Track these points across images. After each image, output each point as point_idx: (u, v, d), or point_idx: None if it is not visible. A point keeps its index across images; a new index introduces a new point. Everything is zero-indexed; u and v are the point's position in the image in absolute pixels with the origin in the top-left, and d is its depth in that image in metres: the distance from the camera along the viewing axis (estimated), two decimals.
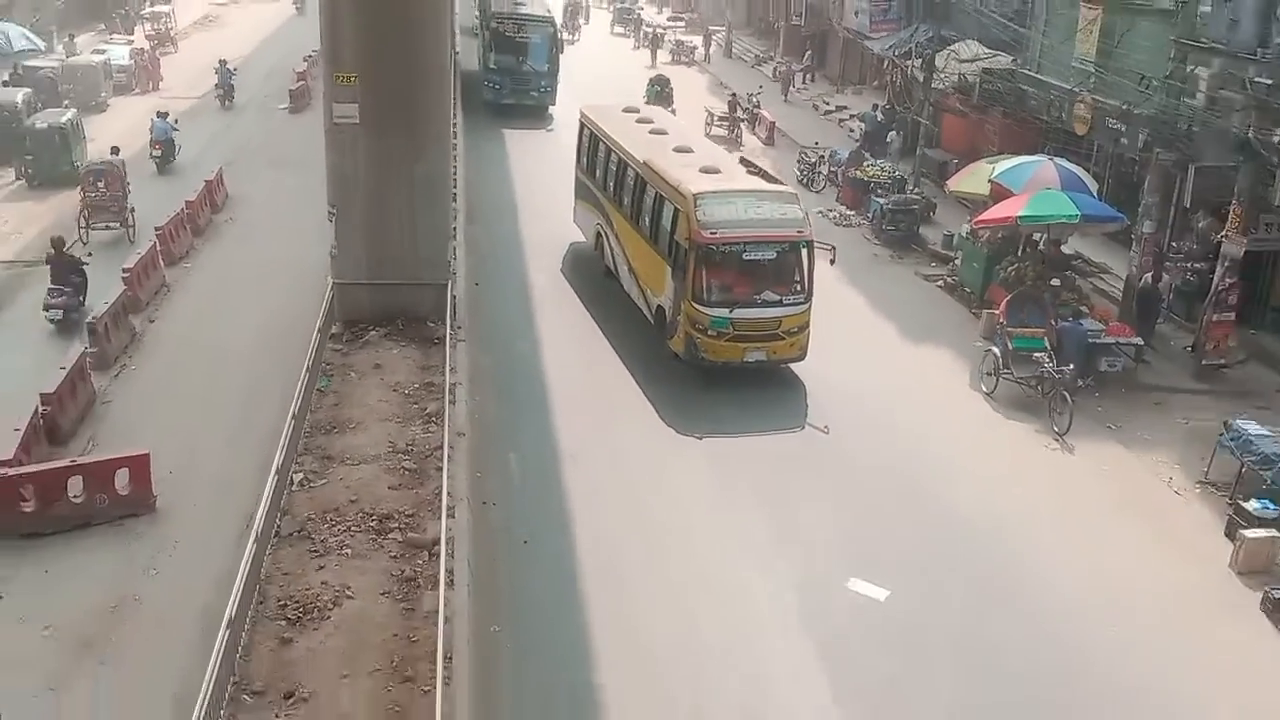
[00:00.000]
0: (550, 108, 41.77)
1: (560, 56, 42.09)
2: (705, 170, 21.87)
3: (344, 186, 21.34)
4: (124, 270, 22.28)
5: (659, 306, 21.68)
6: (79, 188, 26.95)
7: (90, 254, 24.50)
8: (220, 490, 15.94)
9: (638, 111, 27.97)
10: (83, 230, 26.17)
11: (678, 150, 23.57)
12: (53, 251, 22.21)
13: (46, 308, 21.55)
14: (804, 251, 20.51)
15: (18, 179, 31.03)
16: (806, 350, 20.70)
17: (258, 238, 27.34)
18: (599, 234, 25.78)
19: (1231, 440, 17.67)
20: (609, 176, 25.02)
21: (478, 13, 47.76)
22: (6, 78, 38.21)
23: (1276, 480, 16.51)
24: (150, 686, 12.21)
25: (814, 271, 20.58)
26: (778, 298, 20.40)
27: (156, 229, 25.17)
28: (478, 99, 41.84)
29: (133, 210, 27.12)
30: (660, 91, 42.41)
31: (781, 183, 23.11)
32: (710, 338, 20.00)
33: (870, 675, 13.47)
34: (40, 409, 16.78)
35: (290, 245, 25.60)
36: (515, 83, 40.89)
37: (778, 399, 20.81)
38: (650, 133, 25.28)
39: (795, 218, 20.62)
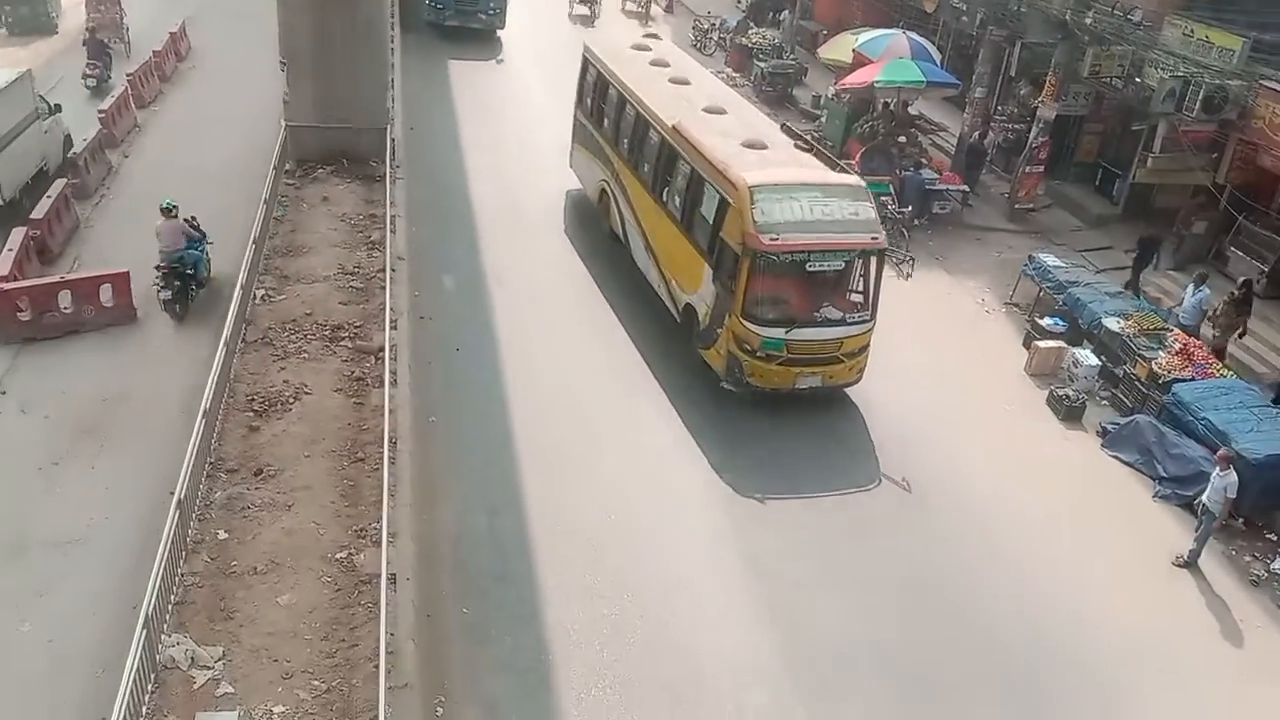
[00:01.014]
0: (499, 31, 32.71)
1: None
2: (751, 146, 15.53)
3: (293, 38, 20.36)
4: (100, 111, 21.30)
5: (688, 305, 15.61)
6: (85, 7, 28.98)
7: (115, 40, 27.77)
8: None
9: (649, 50, 20.52)
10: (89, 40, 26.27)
11: (710, 111, 17.00)
12: (88, 35, 26.19)
13: (84, 76, 24.97)
14: (874, 260, 14.53)
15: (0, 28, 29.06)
16: (863, 374, 15.03)
17: (218, 84, 26.07)
18: (603, 191, 19.42)
19: (1033, 270, 18.33)
20: (621, 129, 18.54)
21: None
22: None
23: (1066, 302, 17.22)
24: (140, 465, 12.27)
25: (881, 282, 14.61)
26: (840, 315, 14.44)
27: (127, 75, 23.94)
28: (418, 21, 32.27)
29: (128, 29, 28.80)
30: None
31: (840, 165, 16.03)
32: (759, 360, 14.17)
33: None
34: (30, 232, 16.18)
35: (247, 91, 24.45)
36: (461, 2, 31.55)
37: None
38: (671, 82, 18.51)
39: (867, 219, 14.46)
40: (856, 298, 14.76)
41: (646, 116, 17.44)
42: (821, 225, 14.11)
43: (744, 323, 14.01)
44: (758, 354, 14.11)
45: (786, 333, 14.08)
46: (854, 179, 15.35)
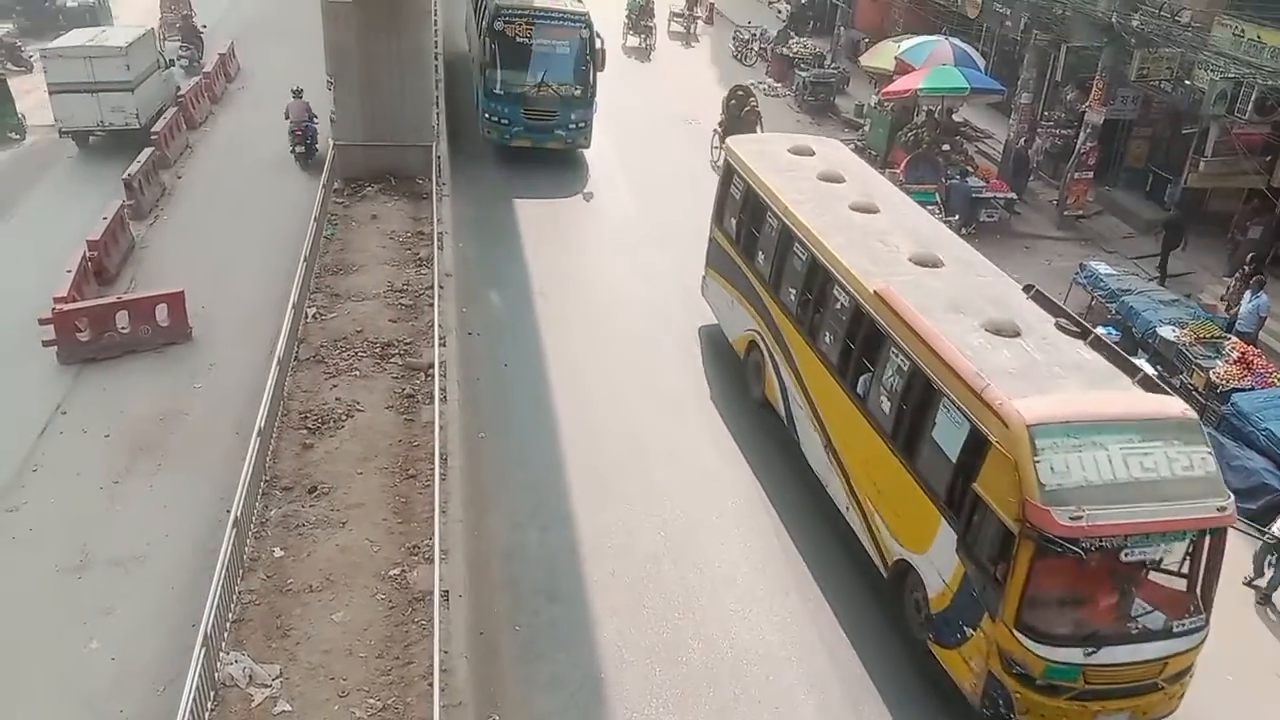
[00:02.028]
0: (584, 151, 23.91)
1: (599, 73, 23.05)
2: (1000, 332, 10.68)
3: (340, 58, 20.65)
4: (153, 133, 21.66)
5: (906, 565, 10.76)
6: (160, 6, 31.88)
7: (204, 25, 30.82)
8: (246, 322, 15.87)
9: (811, 155, 15.50)
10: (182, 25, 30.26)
11: (923, 264, 12.29)
12: (181, 21, 30.23)
13: (177, 59, 27.74)
14: (1214, 540, 9.50)
15: None
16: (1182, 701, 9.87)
17: (267, 104, 26.34)
18: (753, 345, 14.84)
19: (1085, 278, 18.05)
20: (783, 271, 13.85)
21: (472, 4, 27.35)
22: None
23: (1120, 311, 16.93)
24: (197, 483, 12.42)
25: (1220, 569, 9.62)
26: (1165, 623, 9.46)
27: (179, 98, 24.38)
28: (472, 140, 23.89)
29: (202, 30, 30.68)
30: (644, 5, 33.98)
31: (1146, 374, 10.47)
32: (1039, 693, 9.31)
33: None
34: (87, 254, 16.49)
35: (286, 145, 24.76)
36: (532, 115, 22.44)
37: None
38: (854, 210, 13.66)
39: (1207, 474, 9.41)
40: (1186, 595, 9.65)
41: (825, 263, 12.74)
42: (1145, 490, 9.10)
43: (1018, 635, 9.13)
44: (1038, 683, 9.23)
45: (1086, 655, 9.18)
46: (1178, 406, 9.90)
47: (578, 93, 22.48)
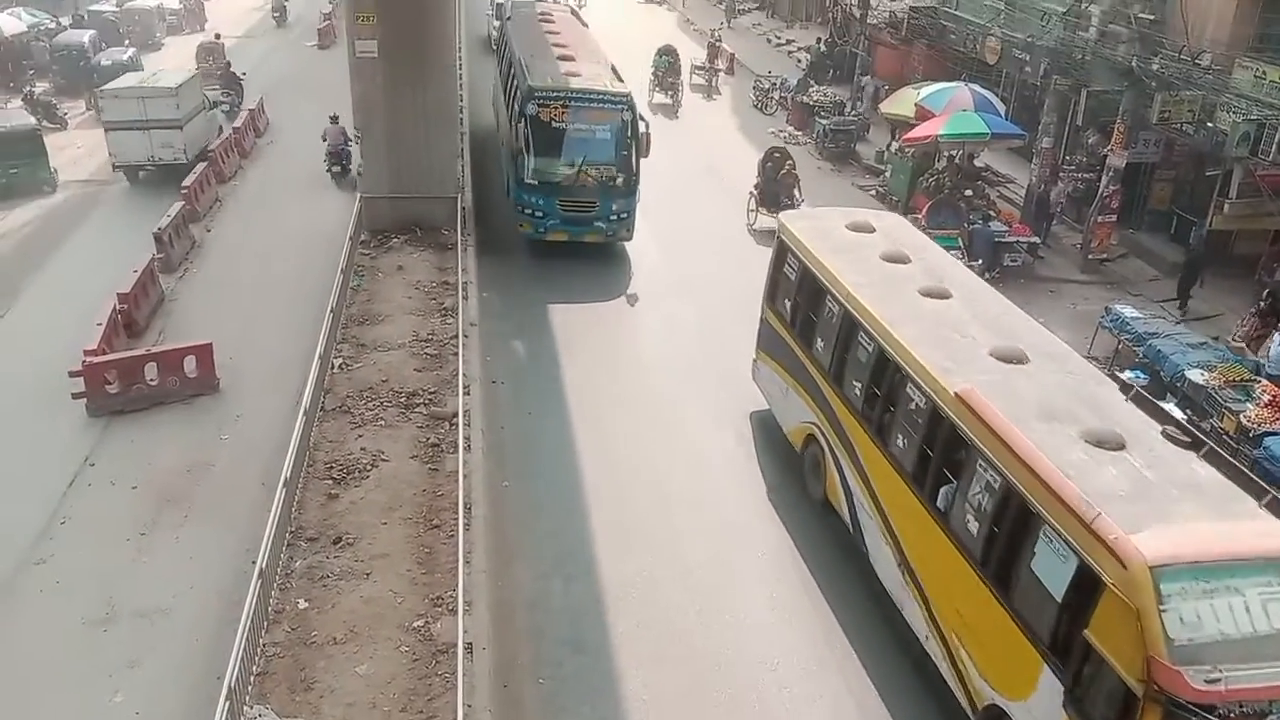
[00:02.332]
0: (626, 243, 21.59)
1: (642, 158, 20.58)
2: (1102, 444, 9.36)
3: (367, 113, 20.98)
4: (182, 187, 22.04)
5: (995, 707, 9.42)
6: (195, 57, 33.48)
7: (243, 74, 32.12)
8: (273, 373, 15.98)
9: (871, 231, 14.23)
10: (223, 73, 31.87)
11: (1007, 360, 10.88)
12: (222, 70, 31.95)
13: (218, 103, 29.53)
14: None
15: (87, 109, 30.33)
16: None
17: (295, 158, 26.87)
18: (811, 440, 13.60)
19: (1111, 322, 17.89)
20: (846, 361, 12.57)
21: (502, 83, 24.69)
22: (72, 21, 37.06)
23: (1147, 354, 16.75)
24: (222, 534, 12.45)
25: None
26: None
27: (209, 151, 24.83)
28: (502, 231, 21.63)
29: (241, 77, 31.88)
30: (671, 64, 33.85)
31: (1275, 495, 8.92)
32: None
33: None
34: (117, 306, 16.72)
35: (323, 165, 25.19)
36: (569, 207, 20.26)
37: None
38: (924, 295, 12.32)
39: None
40: None
41: (896, 358, 11.36)
42: None
43: None
44: None
45: None
46: None
47: (619, 181, 20.19)
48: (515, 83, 21.23)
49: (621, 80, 21.38)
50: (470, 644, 10.28)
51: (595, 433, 15.05)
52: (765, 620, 11.65)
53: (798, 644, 11.32)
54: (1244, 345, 18.02)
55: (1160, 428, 9.81)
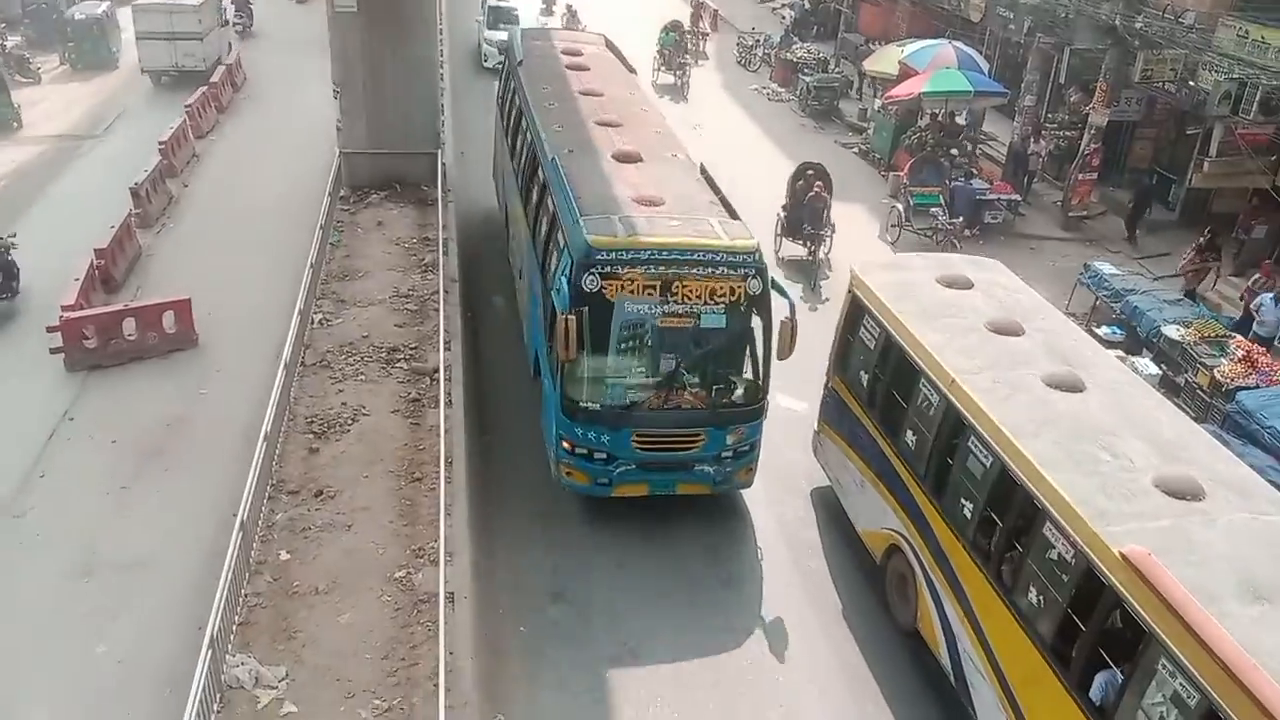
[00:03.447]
0: (730, 493, 13.22)
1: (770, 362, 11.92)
2: None
3: (346, 67, 20.71)
4: (160, 142, 21.79)
5: None
6: None
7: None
8: (252, 328, 15.91)
9: (969, 286, 11.78)
10: None
11: (1178, 493, 8.37)
12: None
13: (233, 23, 32.52)
14: None
15: (62, 64, 29.95)
16: None
17: (273, 113, 26.59)
18: (895, 550, 11.04)
19: (1089, 279, 18.03)
20: (949, 463, 10.08)
21: (519, 185, 16.29)
22: None
23: (1124, 311, 16.90)
24: (203, 487, 12.46)
25: None
26: None
27: (185, 106, 24.51)
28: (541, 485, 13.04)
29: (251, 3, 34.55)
30: (678, 41, 31.65)
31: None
32: None
33: None
34: (94, 262, 16.59)
35: (300, 119, 24.94)
36: (654, 443, 11.87)
37: None
38: (1051, 387, 9.81)
39: None
40: None
41: (1023, 481, 8.90)
42: None
43: None
44: None
45: None
46: None
47: (737, 395, 11.92)
48: (548, 206, 13.21)
49: (730, 210, 12.62)
50: (452, 594, 10.35)
51: None
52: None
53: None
54: (1182, 277, 18.82)
55: None
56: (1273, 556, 7.72)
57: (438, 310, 15.87)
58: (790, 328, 11.54)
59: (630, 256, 11.22)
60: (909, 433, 10.65)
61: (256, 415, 12.73)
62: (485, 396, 14.79)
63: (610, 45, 20.37)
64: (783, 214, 19.98)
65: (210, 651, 8.85)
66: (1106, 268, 18.21)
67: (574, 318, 10.97)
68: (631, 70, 19.44)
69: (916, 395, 10.64)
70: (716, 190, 13.42)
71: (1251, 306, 16.72)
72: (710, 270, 11.32)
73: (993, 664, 9.15)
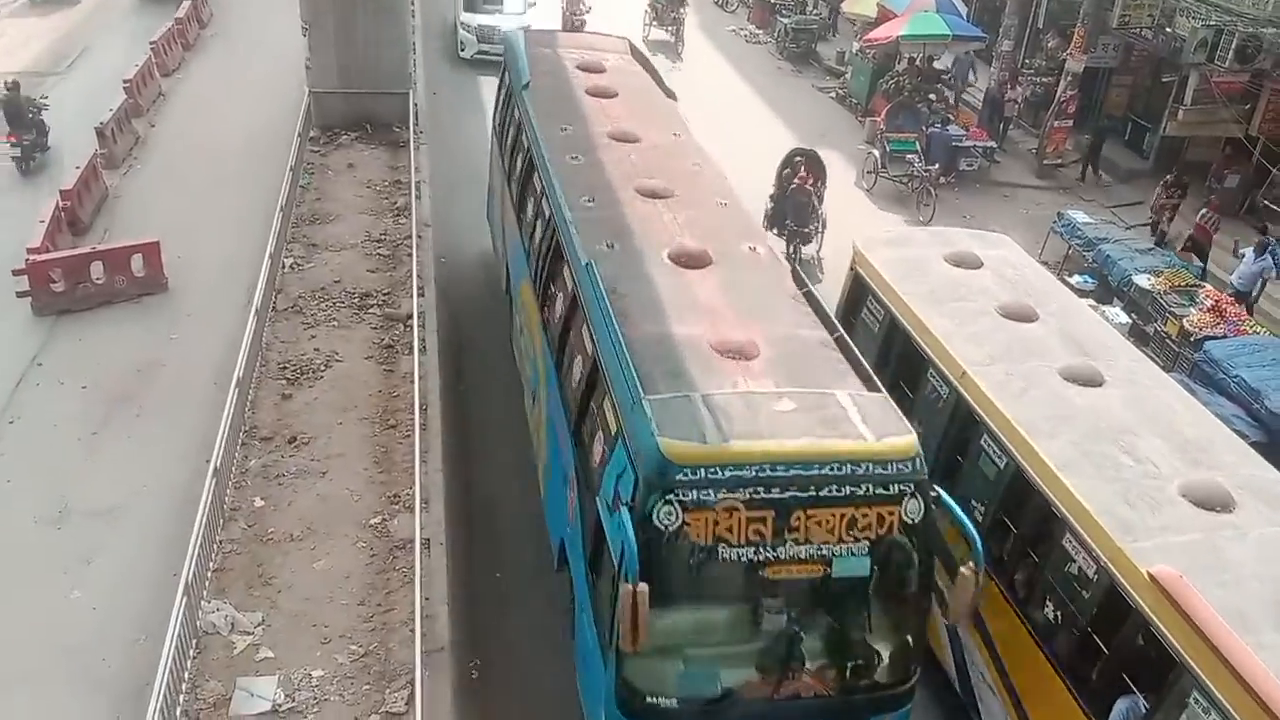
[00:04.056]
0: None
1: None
2: None
3: (315, 3, 20.24)
4: (124, 80, 21.28)
5: None
6: None
7: None
8: (222, 272, 15.70)
9: (978, 265, 11.28)
10: None
11: (1206, 505, 7.90)
12: None
13: None
14: None
15: None
16: None
17: (241, 50, 25.97)
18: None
19: (1063, 227, 18.10)
20: (960, 467, 9.45)
21: (533, 285, 11.91)
22: None
23: (1096, 259, 17.00)
24: (175, 433, 12.37)
25: None
26: None
27: (151, 43, 23.90)
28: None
29: None
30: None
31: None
32: None
33: None
34: (60, 204, 16.27)
35: (269, 57, 24.38)
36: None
37: None
38: (1069, 381, 9.31)
39: None
40: None
41: (1039, 485, 8.38)
42: None
43: None
44: None
45: None
46: None
47: (880, 673, 8.01)
48: (583, 340, 9.64)
49: (855, 360, 8.87)
50: (427, 540, 10.40)
51: None
52: None
53: None
54: (1156, 217, 19.12)
55: None
56: None
57: (410, 255, 15.73)
58: (973, 581, 7.52)
59: (729, 476, 7.22)
60: (915, 422, 8.51)
61: (228, 361, 12.66)
62: (461, 347, 14.71)
63: (636, 54, 16.02)
64: (769, 205, 17.68)
65: (185, 598, 8.88)
66: (1079, 216, 18.28)
67: (644, 590, 6.81)
68: (670, 93, 14.71)
69: (923, 386, 10.02)
70: (824, 315, 9.33)
71: (1234, 258, 16.71)
72: (849, 490, 7.37)
73: (1004, 680, 8.58)
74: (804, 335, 9.01)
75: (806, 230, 17.29)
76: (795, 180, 17.33)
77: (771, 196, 17.81)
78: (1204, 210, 18.11)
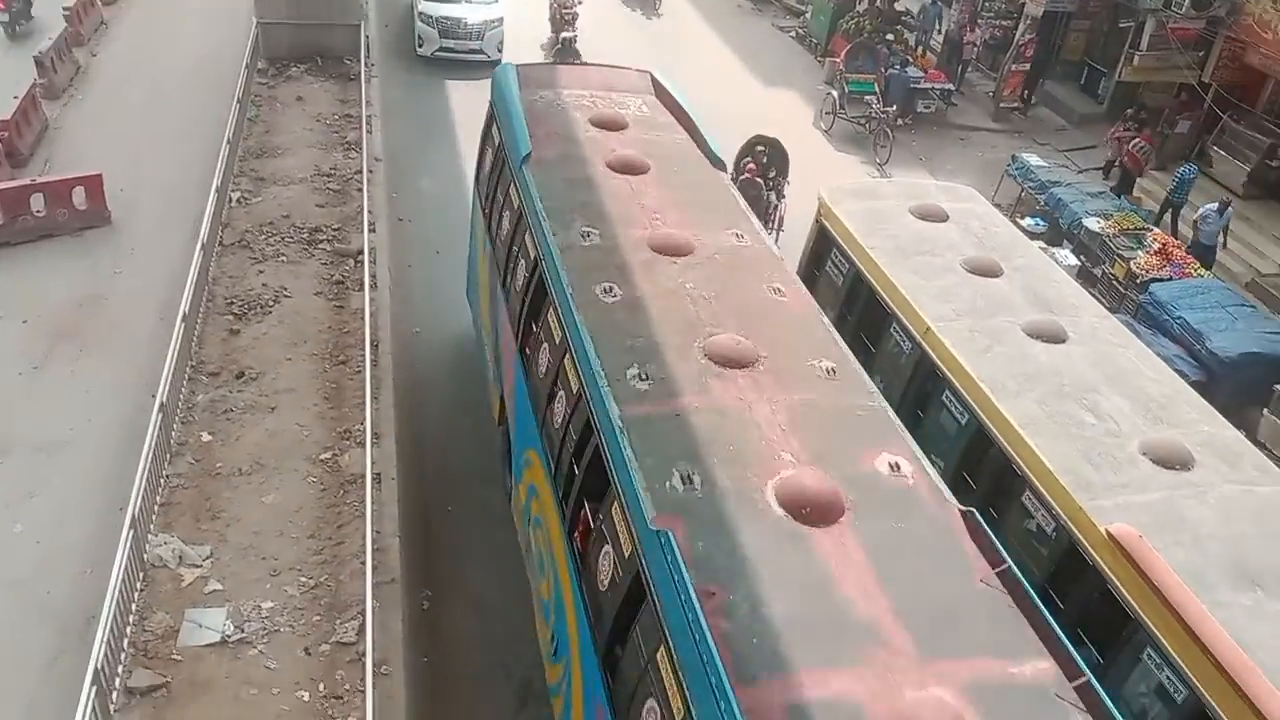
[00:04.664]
0: None
1: None
2: None
3: None
4: (64, 8, 20.62)
5: None
6: None
7: None
8: (167, 206, 15.41)
9: (944, 219, 11.17)
10: None
11: (1166, 462, 7.97)
12: None
13: None
14: None
15: None
16: None
17: None
18: None
19: (1016, 170, 18.25)
20: (923, 425, 9.24)
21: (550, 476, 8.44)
22: None
23: (1048, 203, 17.18)
24: (120, 368, 12.22)
25: None
26: None
27: None
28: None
29: None
30: None
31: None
32: None
33: None
34: None
35: None
36: None
37: None
38: (1032, 337, 9.32)
39: None
40: None
41: (1001, 442, 8.42)
42: None
43: None
44: None
45: None
46: None
47: None
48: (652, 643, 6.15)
49: None
50: (378, 474, 10.42)
51: None
52: None
53: None
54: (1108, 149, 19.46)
55: None
56: (1264, 534, 7.33)
57: (361, 191, 15.53)
58: None
59: None
60: (877, 379, 8.74)
61: (174, 295, 12.47)
62: (413, 283, 14.59)
63: (663, 94, 11.89)
64: None
65: (132, 531, 8.85)
66: (1033, 159, 18.43)
67: None
68: (717, 162, 10.84)
69: (887, 340, 9.96)
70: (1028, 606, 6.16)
71: (1196, 218, 16.72)
72: None
73: None
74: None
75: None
76: (746, 172, 14.87)
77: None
78: (1137, 140, 18.39)
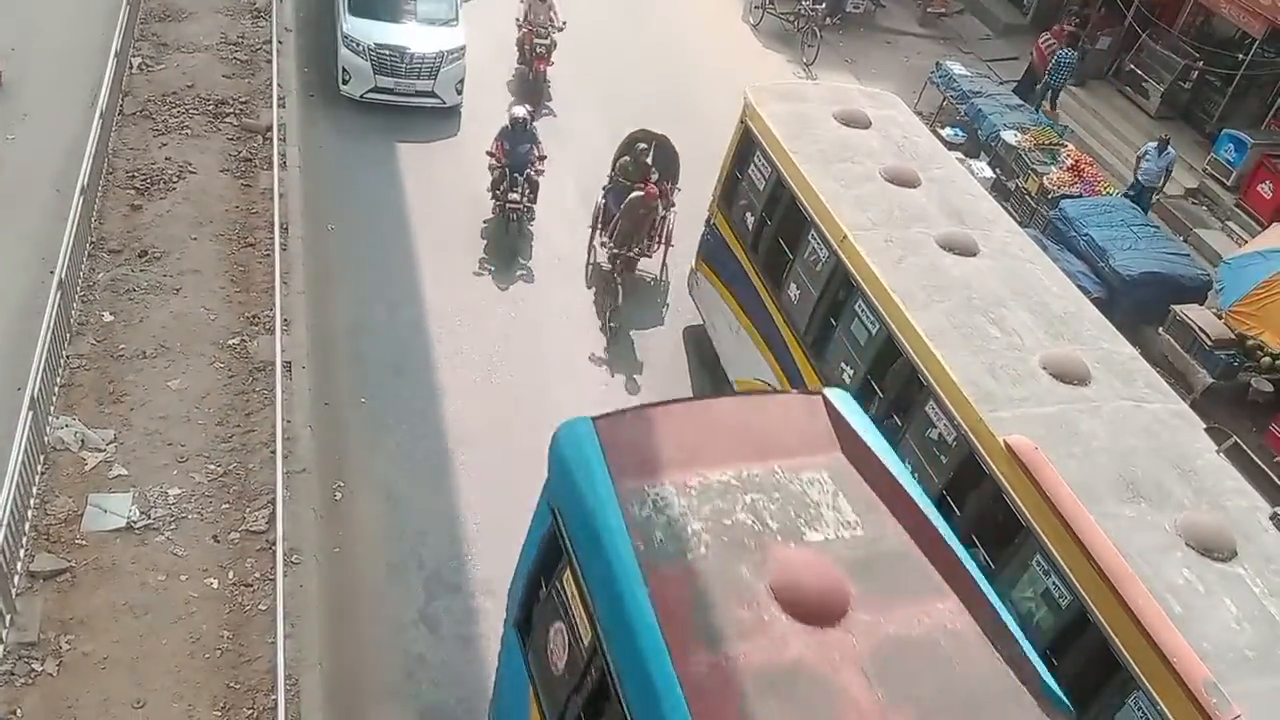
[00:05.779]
0: None
1: None
2: (1213, 552, 6.86)
3: None
4: None
5: None
6: None
7: None
8: (62, 70, 14.51)
9: (867, 125, 11.05)
10: None
11: (1065, 377, 8.19)
12: None
13: None
14: None
15: None
16: None
17: None
18: None
19: (940, 78, 18.30)
20: (833, 331, 9.65)
21: None
22: None
23: (968, 113, 17.34)
24: (14, 242, 11.63)
25: None
26: None
27: None
28: None
29: None
30: None
31: None
32: None
33: None
34: None
35: None
36: None
37: None
38: (945, 250, 9.39)
39: None
40: None
41: (909, 352, 8.63)
42: None
43: None
44: None
45: None
46: None
47: None
48: None
49: None
50: (289, 362, 10.31)
51: (424, 167, 14.57)
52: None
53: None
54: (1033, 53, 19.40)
55: (1272, 510, 7.32)
56: (1151, 449, 7.66)
57: (270, 62, 14.89)
58: None
59: None
60: (792, 285, 9.63)
61: (71, 166, 11.91)
62: (325, 165, 14.11)
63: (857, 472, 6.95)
64: (601, 200, 13.25)
65: (31, 413, 8.63)
66: (956, 68, 18.49)
67: None
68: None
69: (804, 247, 9.99)
70: None
71: (1136, 156, 16.85)
72: None
73: None
74: None
75: (633, 254, 12.58)
76: (638, 188, 12.42)
77: (605, 190, 13.27)
78: (1047, 37, 18.62)
